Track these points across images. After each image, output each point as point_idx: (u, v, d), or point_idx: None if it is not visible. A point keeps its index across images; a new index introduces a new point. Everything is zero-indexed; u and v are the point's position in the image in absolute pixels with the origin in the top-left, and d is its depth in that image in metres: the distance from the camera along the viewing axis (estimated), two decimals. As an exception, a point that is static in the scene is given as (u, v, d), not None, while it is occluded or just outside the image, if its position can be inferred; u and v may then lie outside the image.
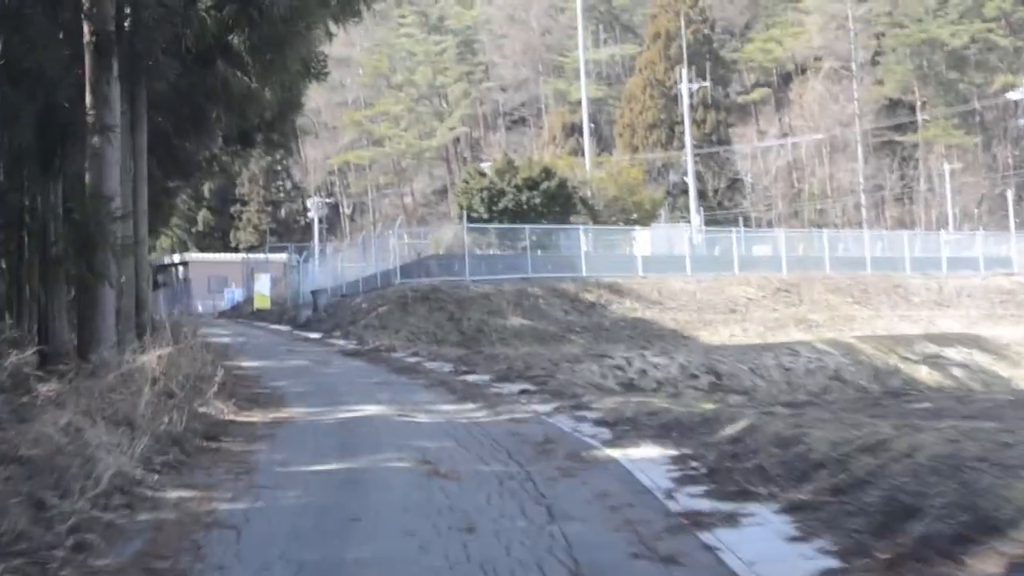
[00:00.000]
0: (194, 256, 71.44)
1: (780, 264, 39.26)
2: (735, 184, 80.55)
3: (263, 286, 41.81)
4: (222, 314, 48.07)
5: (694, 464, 8.26)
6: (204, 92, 19.37)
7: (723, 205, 77.69)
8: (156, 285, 78.15)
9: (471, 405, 13.02)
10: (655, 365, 18.10)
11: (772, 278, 37.83)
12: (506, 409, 12.47)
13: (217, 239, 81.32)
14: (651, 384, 17.55)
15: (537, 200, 43.91)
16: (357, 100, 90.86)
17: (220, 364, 17.50)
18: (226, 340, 27.30)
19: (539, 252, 35.75)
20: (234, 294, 53.20)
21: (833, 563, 5.34)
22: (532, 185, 44.71)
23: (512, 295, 31.79)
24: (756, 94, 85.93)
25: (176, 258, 72.30)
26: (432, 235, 41.87)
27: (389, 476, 8.39)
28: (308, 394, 14.73)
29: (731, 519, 6.41)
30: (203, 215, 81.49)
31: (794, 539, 5.90)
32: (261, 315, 39.85)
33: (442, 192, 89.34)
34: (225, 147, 25.92)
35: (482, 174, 46.64)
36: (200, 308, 60.18)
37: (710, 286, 36.22)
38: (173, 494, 7.70)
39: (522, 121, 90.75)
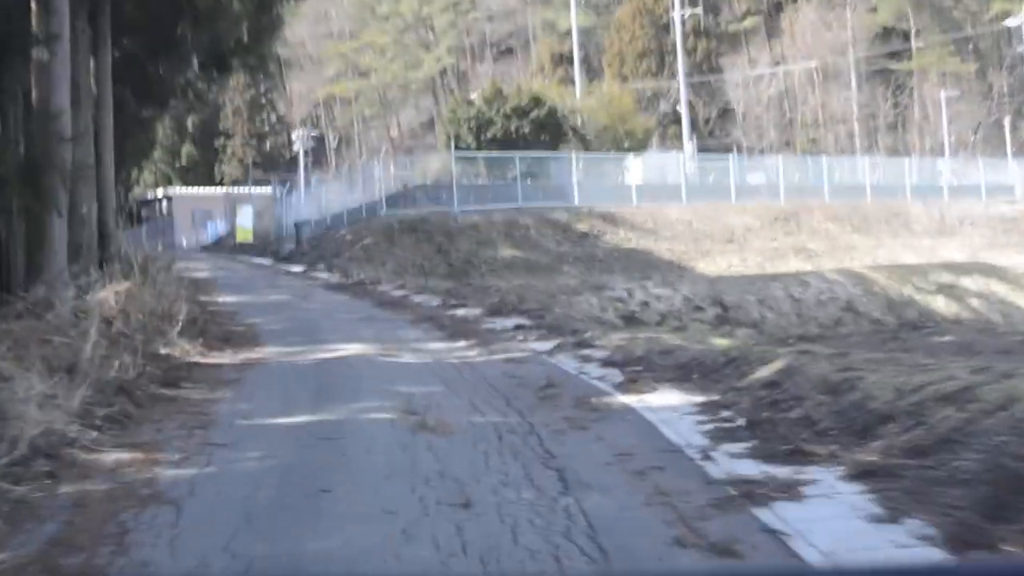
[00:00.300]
0: (178, 191, 69.69)
1: (778, 192, 37.86)
2: (726, 113, 78.85)
3: (245, 219, 40.29)
4: (204, 248, 46.62)
5: (726, 414, 6.96)
6: (170, 6, 17.85)
7: (714, 134, 76.03)
8: (139, 220, 76.56)
9: (462, 343, 11.76)
10: (658, 297, 16.84)
11: (770, 207, 36.44)
12: (500, 347, 11.19)
13: (202, 173, 79.45)
14: (654, 317, 16.29)
15: (526, 129, 42.39)
16: (342, 31, 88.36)
17: (193, 300, 16.24)
18: (204, 274, 25.95)
19: (529, 181, 34.26)
20: (217, 228, 51.66)
21: (942, 554, 4.04)
22: (521, 114, 43.16)
23: (502, 225, 30.41)
24: (748, 22, 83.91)
25: (160, 193, 70.60)
26: (419, 165, 40.29)
27: (369, 431, 7.09)
28: (285, 332, 13.43)
29: (790, 489, 5.07)
30: (187, 149, 79.47)
31: (878, 519, 4.55)
32: (244, 249, 38.38)
33: (429, 124, 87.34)
34: (201, 72, 24.29)
35: (470, 103, 45.03)
36: (184, 243, 58.64)
37: (706, 215, 34.84)
38: (110, 456, 6.39)
39: (510, 52, 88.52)
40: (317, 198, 37.49)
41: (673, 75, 75.03)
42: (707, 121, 78.38)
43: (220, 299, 19.06)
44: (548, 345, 11.24)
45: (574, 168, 34.16)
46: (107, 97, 19.99)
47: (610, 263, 30.20)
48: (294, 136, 77.53)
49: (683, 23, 56.41)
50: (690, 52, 75.61)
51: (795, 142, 78.43)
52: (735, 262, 32.28)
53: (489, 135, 42.33)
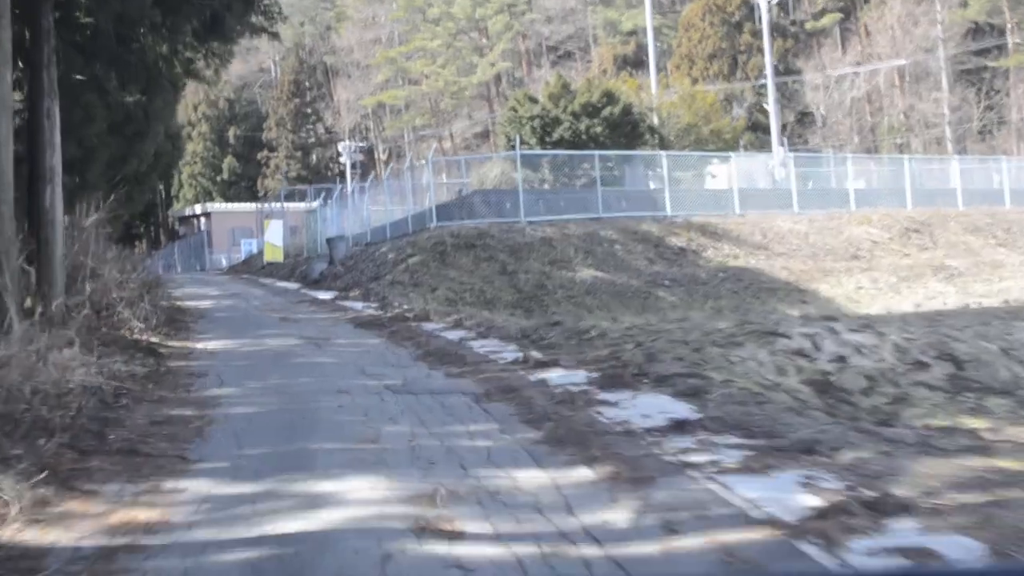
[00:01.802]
0: (217, 206, 64.61)
1: (904, 198, 31.48)
2: (804, 118, 72.50)
3: (274, 235, 34.62)
4: (232, 268, 41.01)
5: None
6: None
7: (792, 140, 69.67)
8: (174, 236, 71.53)
9: (585, 473, 5.69)
10: (858, 347, 10.79)
11: (897, 215, 30.10)
12: (676, 498, 5.11)
13: (244, 188, 74.36)
14: (858, 381, 10.21)
15: (598, 129, 36.48)
16: (391, 37, 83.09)
17: (148, 353, 10.57)
18: (206, 304, 20.25)
19: (609, 187, 28.22)
20: (251, 246, 46.14)
21: None
22: (592, 112, 37.29)
23: (580, 240, 24.39)
24: (826, 19, 77.25)
25: (197, 209, 65.49)
26: (475, 170, 34.36)
27: None
28: (252, 429, 7.44)
29: None
30: (228, 162, 74.54)
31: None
32: (272, 270, 32.73)
33: (483, 135, 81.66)
34: (196, 44, 18.64)
35: (533, 100, 39.06)
36: (224, 262, 53.42)
37: (823, 226, 28.61)
38: None
39: (568, 56, 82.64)
40: (357, 209, 31.70)
41: (747, 77, 68.96)
42: (784, 127, 71.95)
43: (199, 345, 13.23)
44: (774, 484, 5.14)
45: (665, 170, 28.06)
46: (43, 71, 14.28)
47: (715, 286, 24.07)
48: (340, 147, 72.42)
49: (768, 12, 50.05)
50: (764, 52, 69.72)
51: (880, 147, 71.80)
52: (864, 283, 26.05)
53: (555, 136, 36.43)
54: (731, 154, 32.99)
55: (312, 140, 77.91)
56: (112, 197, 28.65)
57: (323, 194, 35.98)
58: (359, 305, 19.26)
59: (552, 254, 23.45)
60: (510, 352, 11.52)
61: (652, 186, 30.35)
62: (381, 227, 27.82)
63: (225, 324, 16.34)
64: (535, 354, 10.93)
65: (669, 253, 25.10)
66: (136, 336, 13.37)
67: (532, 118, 37.20)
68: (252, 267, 37.65)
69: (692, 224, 26.51)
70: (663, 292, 23.28)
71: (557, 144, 35.27)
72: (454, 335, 13.72)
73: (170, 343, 13.27)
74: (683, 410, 7.47)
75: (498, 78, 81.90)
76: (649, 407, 7.70)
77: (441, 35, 78.24)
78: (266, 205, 45.86)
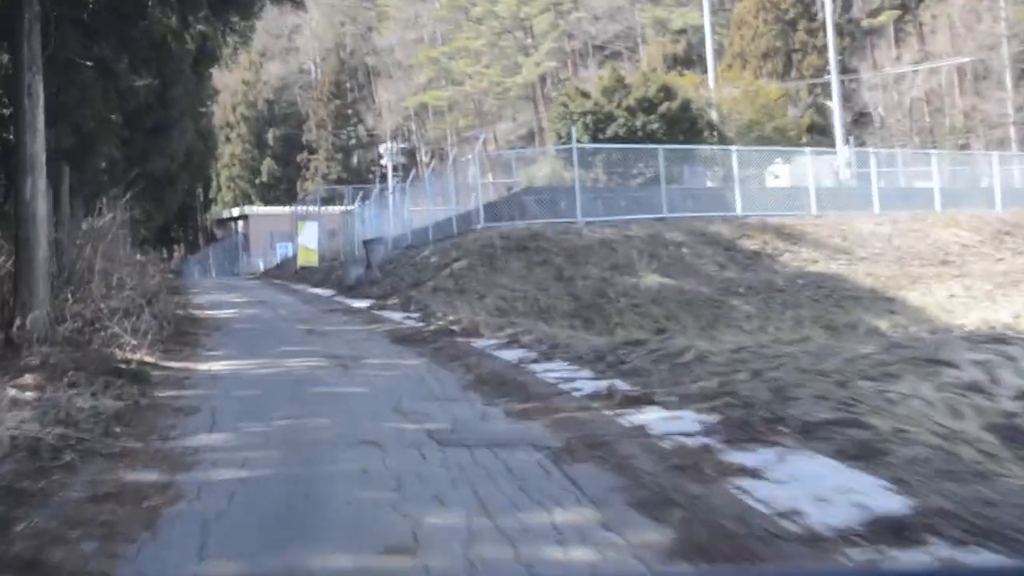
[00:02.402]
0: (255, 209, 62.64)
1: (992, 198, 28.68)
2: (861, 119, 69.43)
3: (309, 238, 32.37)
4: (265, 273, 38.85)
5: None
6: None
7: (848, 142, 66.63)
8: (212, 240, 69.67)
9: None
10: (1045, 379, 8.31)
11: (986, 217, 27.32)
12: None
13: (283, 191, 72.40)
14: (1055, 427, 7.74)
15: (654, 125, 33.95)
16: (433, 36, 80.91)
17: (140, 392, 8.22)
18: (226, 313, 17.97)
19: (672, 185, 25.66)
20: (286, 249, 43.96)
21: None
22: (648, 107, 34.77)
23: (643, 242, 21.88)
24: (883, 17, 74.12)
25: (235, 212, 63.57)
26: (524, 170, 31.91)
27: None
28: (232, 510, 5.03)
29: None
30: (267, 164, 72.66)
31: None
32: (306, 275, 30.47)
33: (528, 137, 79.17)
34: (212, 17, 16.37)
35: (585, 95, 36.58)
36: (261, 265, 51.42)
37: (907, 228, 25.89)
38: None
39: (616, 55, 79.95)
40: (397, 210, 29.34)
41: (802, 76, 65.96)
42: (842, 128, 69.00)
43: (203, 366, 10.90)
44: None
45: (735, 167, 25.43)
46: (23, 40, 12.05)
47: (794, 294, 21.47)
48: (381, 149, 70.26)
49: (832, 7, 47.35)
50: (820, 51, 66.92)
51: (941, 149, 68.48)
52: (957, 291, 23.29)
53: (609, 133, 33.91)
54: (807, 150, 30.30)
55: (353, 142, 75.87)
56: (128, 195, 26.57)
57: (360, 194, 33.69)
58: (398, 315, 16.87)
59: (613, 258, 20.96)
60: (585, 380, 9.06)
61: (709, 184, 27.88)
62: (423, 229, 25.48)
63: (242, 338, 14.02)
64: (620, 385, 8.46)
65: (742, 257, 22.52)
66: (128, 355, 11.05)
67: (584, 114, 34.74)
68: (285, 272, 35.42)
69: (766, 225, 23.91)
70: (737, 301, 20.72)
71: (611, 141, 32.78)
72: (511, 355, 11.28)
73: (168, 363, 10.94)
74: (873, 489, 4.95)
75: (543, 79, 79.47)
76: (814, 480, 5.19)
77: (485, 34, 75.97)
78: (301, 208, 43.42)
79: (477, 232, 21.81)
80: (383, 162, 69.28)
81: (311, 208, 43.05)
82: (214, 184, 72.49)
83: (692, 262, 21.68)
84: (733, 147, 26.69)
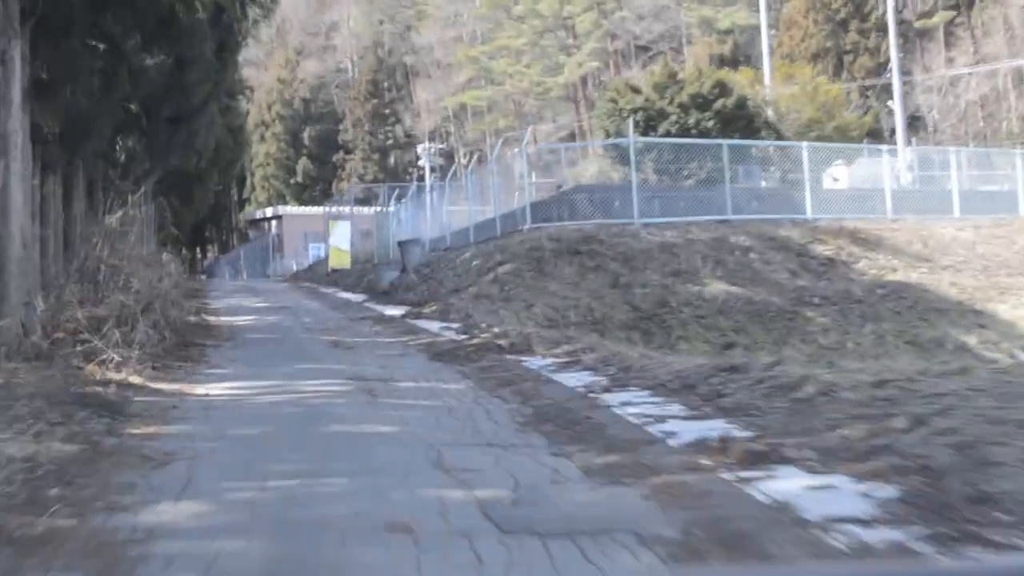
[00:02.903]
0: (289, 210, 60.98)
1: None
2: (914, 122, 66.78)
3: (341, 239, 30.43)
4: (294, 275, 36.96)
5: None
6: None
7: (911, 143, 63.93)
8: (245, 241, 68.10)
9: None
10: None
11: (1075, 223, 24.93)
12: None
13: (319, 191, 70.69)
14: None
15: (709, 123, 31.77)
16: (473, 35, 78.97)
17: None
18: (244, 320, 16.04)
19: (736, 184, 23.47)
20: (319, 251, 42.07)
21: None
22: (702, 104, 32.63)
23: (707, 246, 19.73)
24: (937, 18, 71.39)
25: (268, 211, 61.91)
26: (569, 169, 29.83)
27: None
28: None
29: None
30: (302, 164, 71.01)
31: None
32: (337, 278, 28.53)
33: (569, 138, 77.06)
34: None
35: (636, 90, 34.45)
36: (295, 267, 49.64)
37: (991, 234, 23.55)
38: None
39: (660, 56, 77.70)
40: (435, 210, 27.35)
41: (853, 78, 63.43)
42: (892, 132, 66.42)
43: (199, 390, 8.88)
44: None
45: (806, 165, 23.19)
46: None
47: (873, 305, 19.26)
48: (419, 150, 68.45)
49: (892, 4, 44.96)
50: (872, 52, 64.60)
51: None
52: (1051, 303, 21.02)
53: (660, 131, 31.74)
54: (883, 147, 28.03)
55: (390, 142, 74.12)
56: (143, 190, 24.74)
57: (396, 192, 31.72)
58: (435, 325, 14.85)
59: (674, 263, 18.84)
60: (680, 420, 6.99)
61: (764, 184, 25.72)
62: (463, 230, 23.48)
63: (255, 351, 12.05)
64: (733, 432, 6.37)
65: (815, 264, 20.31)
66: (111, 375, 9.09)
67: (634, 110, 32.56)
68: (316, 274, 33.51)
69: (840, 229, 21.67)
70: (811, 312, 18.53)
71: (644, 148, 30.69)
72: (574, 379, 9.22)
73: (158, 384, 8.97)
74: None
75: (584, 81, 77.34)
76: None
77: (526, 33, 73.93)
78: (334, 208, 41.29)
79: (524, 233, 19.76)
80: (421, 163, 67.44)
81: (344, 209, 41.11)
82: (248, 183, 71.01)
83: (761, 269, 19.50)
84: (804, 143, 24.41)
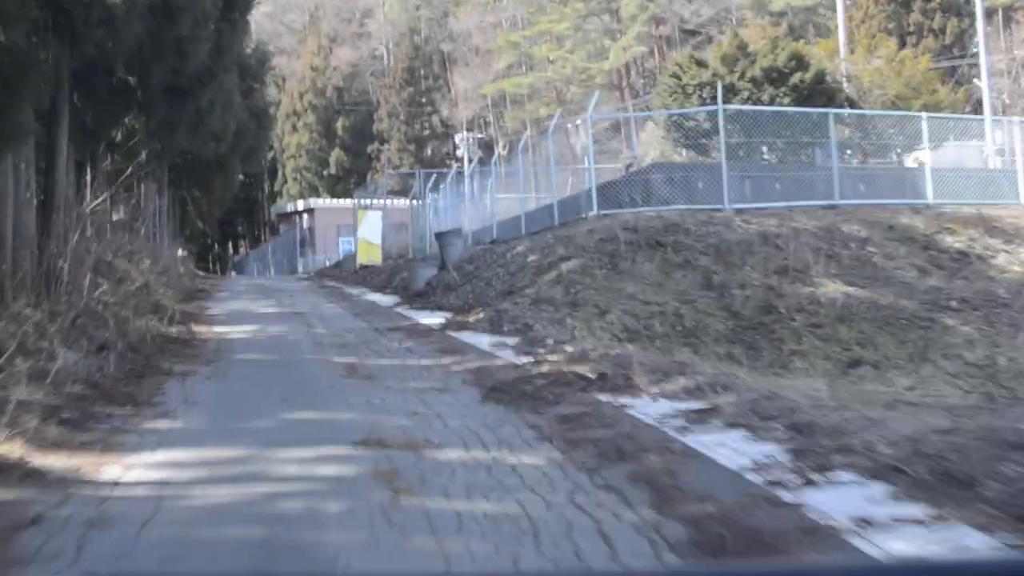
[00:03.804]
0: (321, 202, 57.57)
1: None
2: (981, 106, 62.47)
3: (371, 231, 26.83)
4: (319, 273, 33.42)
5: None
6: None
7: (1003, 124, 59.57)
8: (274, 232, 64.74)
9: None
10: None
11: None
12: None
13: (353, 184, 67.22)
14: None
15: (785, 100, 27.85)
16: (513, 20, 75.18)
17: None
18: (240, 332, 12.48)
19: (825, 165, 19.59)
20: (350, 245, 38.50)
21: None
22: (776, 79, 28.75)
23: (815, 237, 15.90)
24: (1005, -2, 66.80)
25: (299, 205, 58.51)
26: (622, 155, 26.01)
27: None
28: None
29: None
30: (336, 155, 67.54)
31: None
32: (367, 275, 24.91)
33: (615, 128, 73.12)
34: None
35: (701, 64, 30.61)
36: (327, 263, 46.19)
37: None
38: None
39: (709, 41, 73.61)
40: (478, 198, 23.67)
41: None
42: (973, 112, 62.08)
43: (109, 472, 5.28)
44: None
45: (926, 138, 19.30)
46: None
47: (1023, 310, 15.38)
48: (457, 139, 65.03)
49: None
50: (937, 33, 60.33)
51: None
52: None
53: (703, 122, 27.89)
54: (1014, 119, 24.02)
55: (427, 132, 70.58)
56: (127, 170, 21.31)
57: (433, 177, 28.03)
58: (485, 340, 11.18)
59: (778, 258, 15.04)
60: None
61: (856, 164, 21.90)
62: (512, 219, 19.85)
63: (235, 386, 8.44)
64: None
65: (945, 259, 16.42)
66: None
67: (700, 86, 28.77)
68: (343, 271, 29.90)
69: (970, 217, 17.77)
70: (951, 319, 14.68)
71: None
72: (724, 449, 5.60)
73: (42, 461, 5.38)
74: None
75: (627, 67, 73.36)
76: None
77: (569, 17, 70.07)
78: (364, 202, 37.24)
79: (589, 222, 16.04)
80: (459, 153, 63.89)
81: (376, 201, 37.39)
82: (280, 175, 67.81)
83: (883, 265, 15.66)
84: (923, 114, 20.48)
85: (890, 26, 62.40)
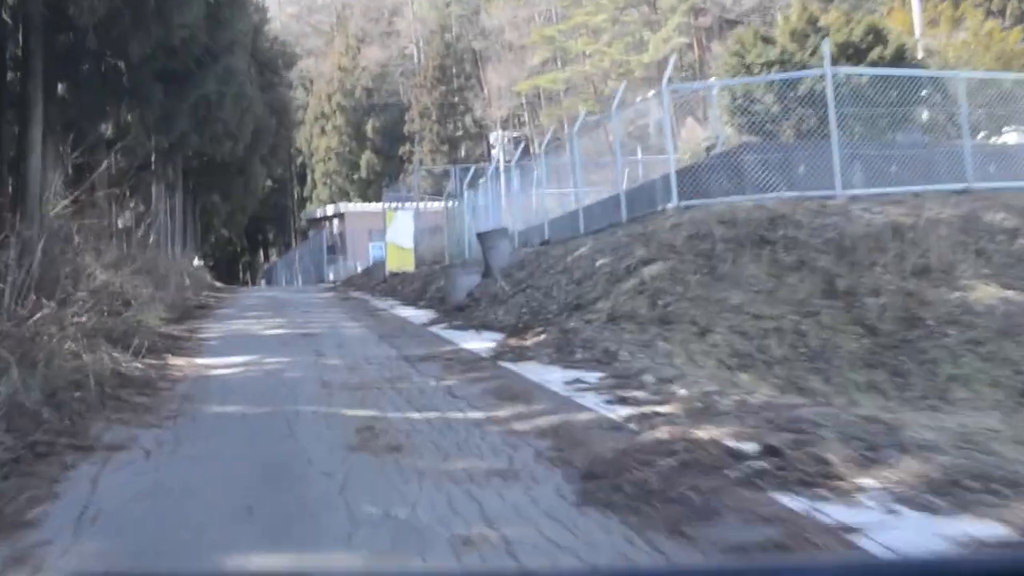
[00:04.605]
0: (351, 206, 54.65)
1: None
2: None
3: (401, 233, 23.68)
4: (345, 282, 30.32)
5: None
6: None
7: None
8: (305, 237, 61.84)
9: None
10: None
11: None
12: None
13: (385, 187, 64.25)
14: None
15: (864, 79, 24.53)
16: (548, 13, 71.99)
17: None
18: (233, 366, 9.34)
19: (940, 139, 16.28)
20: (380, 250, 35.35)
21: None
22: (853, 55, 25.50)
23: (953, 229, 12.57)
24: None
25: (329, 209, 55.60)
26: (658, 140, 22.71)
27: None
28: None
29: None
30: (366, 158, 64.65)
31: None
32: (397, 283, 21.77)
33: (656, 125, 69.63)
34: None
35: (768, 40, 27.35)
36: (359, 269, 43.17)
37: None
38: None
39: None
40: (521, 194, 20.48)
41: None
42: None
43: None
44: None
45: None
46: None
47: None
48: (492, 139, 62.09)
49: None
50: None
51: None
52: None
53: (800, 91, 24.56)
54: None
55: (460, 133, 67.56)
56: (128, 174, 18.74)
57: (471, 171, 24.85)
58: (555, 376, 8.02)
59: (912, 256, 11.75)
60: None
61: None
62: (567, 216, 16.69)
63: (182, 472, 5.27)
64: None
65: (1119, 254, 13.10)
66: None
67: (767, 65, 25.57)
68: (372, 279, 26.75)
69: None
70: None
71: (804, 101, 23.53)
72: None
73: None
74: None
75: (664, 60, 69.86)
76: None
77: (606, 8, 66.87)
78: (392, 205, 33.42)
79: (669, 215, 12.83)
80: (494, 153, 60.81)
81: (406, 205, 34.02)
82: (309, 180, 65.07)
83: (1043, 261, 12.36)
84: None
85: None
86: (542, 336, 10.17)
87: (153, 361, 9.49)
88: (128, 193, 26.85)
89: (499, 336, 10.93)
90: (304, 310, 16.99)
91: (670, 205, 13.22)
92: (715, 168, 14.07)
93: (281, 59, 35.57)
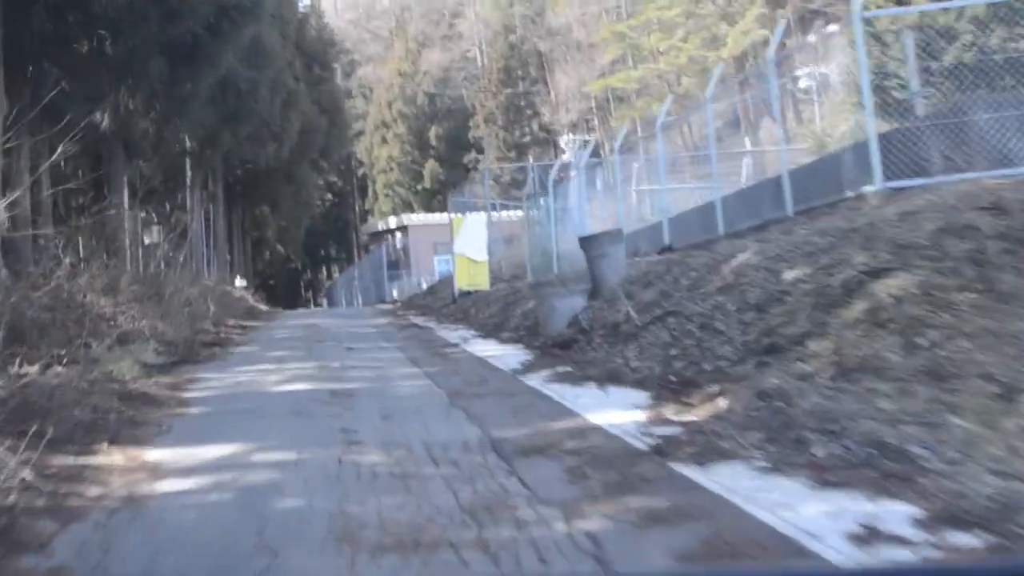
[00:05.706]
0: (414, 218, 50.82)
1: None
2: None
3: (472, 243, 19.52)
4: (409, 301, 26.25)
5: None
6: None
7: None
8: (367, 252, 58.20)
9: None
10: None
11: None
12: None
13: (452, 195, 60.48)
14: None
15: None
16: (618, 9, 67.81)
17: None
18: (206, 472, 5.08)
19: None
20: (446, 265, 31.20)
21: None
22: (1006, 16, 21.12)
23: None
24: None
25: (391, 222, 51.79)
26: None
27: None
28: None
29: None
30: (430, 167, 60.89)
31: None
32: (469, 305, 17.63)
33: (734, 124, 65.10)
34: None
35: (903, 2, 22.99)
36: (423, 285, 39.31)
37: None
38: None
39: (837, 20, 65.32)
40: (623, 188, 16.27)
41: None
42: None
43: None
44: None
45: None
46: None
47: None
48: (562, 143, 58.45)
49: None
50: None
51: None
52: None
53: (947, 61, 20.23)
54: None
55: (527, 139, 63.57)
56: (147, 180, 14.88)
57: (555, 165, 20.65)
58: (813, 512, 3.85)
59: None
60: None
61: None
62: (695, 213, 12.50)
63: None
64: None
65: None
66: None
67: (904, 30, 21.21)
68: (437, 299, 22.67)
69: None
70: None
71: (953, 72, 19.13)
72: None
73: None
74: None
75: (744, 55, 65.32)
76: None
77: (680, 2, 62.47)
78: (457, 214, 28.61)
79: (868, 202, 8.58)
80: (564, 158, 56.72)
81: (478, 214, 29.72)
82: (370, 192, 61.52)
83: None
84: None
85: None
86: (720, 400, 6.00)
87: (64, 462, 5.47)
88: (165, 203, 23.13)
89: (639, 396, 6.78)
90: (347, 346, 12.94)
91: (868, 188, 9.01)
92: (929, 134, 9.75)
93: (330, 50, 31.91)
